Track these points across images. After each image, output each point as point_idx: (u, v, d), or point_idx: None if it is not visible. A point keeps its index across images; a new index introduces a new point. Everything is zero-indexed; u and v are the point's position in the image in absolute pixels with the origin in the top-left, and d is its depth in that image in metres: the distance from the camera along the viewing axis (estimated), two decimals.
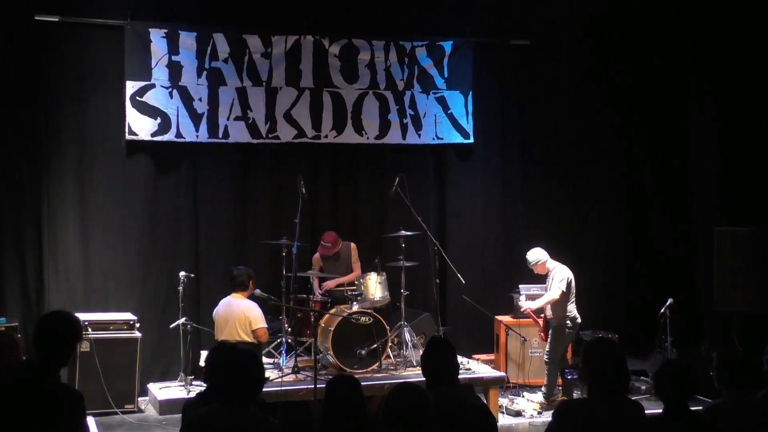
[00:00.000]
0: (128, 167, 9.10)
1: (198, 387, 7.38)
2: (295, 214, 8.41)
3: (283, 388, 7.40)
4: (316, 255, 9.17)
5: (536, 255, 8.52)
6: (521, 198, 10.65)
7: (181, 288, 8.26)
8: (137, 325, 8.25)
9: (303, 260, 8.87)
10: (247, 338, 7.57)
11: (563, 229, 10.55)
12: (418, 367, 8.11)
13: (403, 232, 8.73)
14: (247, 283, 7.94)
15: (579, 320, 8.44)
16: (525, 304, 8.58)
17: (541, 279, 8.82)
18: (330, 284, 8.96)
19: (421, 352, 8.76)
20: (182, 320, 8.09)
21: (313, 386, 6.73)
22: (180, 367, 8.15)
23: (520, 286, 9.59)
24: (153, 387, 7.97)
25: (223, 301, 7.92)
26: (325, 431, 3.91)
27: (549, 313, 8.46)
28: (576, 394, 8.05)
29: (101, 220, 8.93)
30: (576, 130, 10.68)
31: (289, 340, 8.40)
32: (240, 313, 7.68)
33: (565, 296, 8.27)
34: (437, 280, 8.81)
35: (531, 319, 8.76)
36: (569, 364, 8.50)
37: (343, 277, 8.97)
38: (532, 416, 8.11)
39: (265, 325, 7.84)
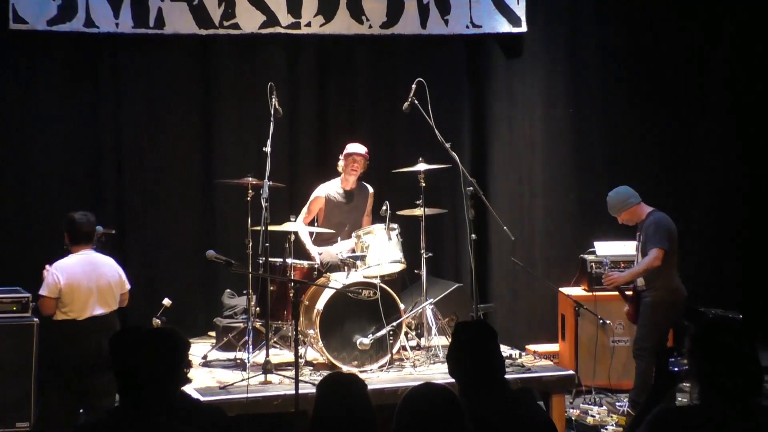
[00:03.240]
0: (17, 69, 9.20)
1: None
2: (264, 139, 8.38)
3: (250, 395, 7.39)
4: (318, 195, 9.19)
5: (623, 196, 8.45)
6: (598, 118, 10.72)
7: (98, 248, 8.22)
8: (32, 304, 8.26)
9: (278, 208, 8.87)
10: (118, 305, 7.61)
11: (658, 168, 10.61)
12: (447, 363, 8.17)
13: (423, 166, 8.70)
14: (92, 234, 7.87)
15: (684, 293, 8.41)
16: (613, 275, 8.53)
17: (627, 233, 8.79)
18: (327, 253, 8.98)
19: (449, 340, 8.94)
20: None
21: (293, 392, 6.71)
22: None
23: (596, 244, 9.58)
24: None
25: (76, 263, 7.76)
26: None
27: (641, 282, 8.42)
28: (681, 399, 8.01)
29: None
30: (675, 40, 10.76)
31: (258, 326, 8.41)
32: (114, 274, 7.65)
33: (667, 257, 8.23)
34: (473, 236, 8.77)
35: (617, 294, 8.75)
36: (670, 349, 8.40)
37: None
38: None
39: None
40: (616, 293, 8.73)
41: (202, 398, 6.85)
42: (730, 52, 11.00)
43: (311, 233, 9.06)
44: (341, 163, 9.09)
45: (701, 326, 4.10)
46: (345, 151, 9.08)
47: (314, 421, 3.97)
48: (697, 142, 10.96)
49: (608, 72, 10.79)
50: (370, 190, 9.34)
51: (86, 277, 7.29)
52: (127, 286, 7.55)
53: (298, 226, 8.83)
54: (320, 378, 4.34)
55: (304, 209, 9.18)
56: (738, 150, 11.07)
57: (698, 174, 10.95)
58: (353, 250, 8.66)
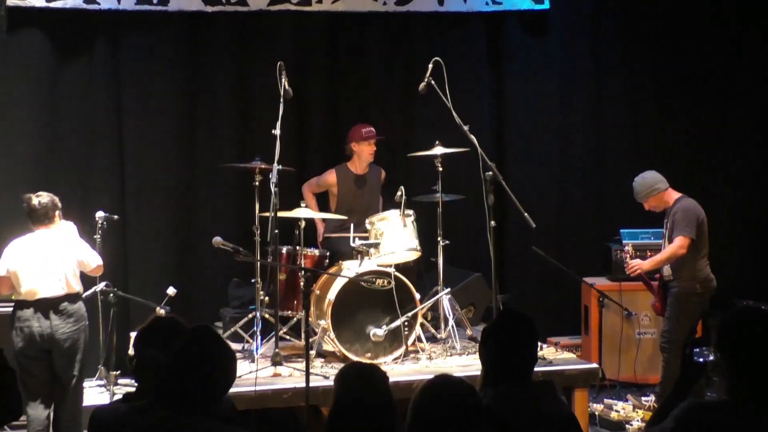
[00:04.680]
0: (11, 49, 9.18)
1: (126, 387, 7.37)
2: (272, 122, 8.37)
3: (258, 388, 7.41)
4: (328, 176, 9.20)
5: (650, 182, 8.42)
6: (624, 100, 10.70)
7: (98, 236, 8.25)
8: None
9: (287, 193, 8.87)
10: (77, 287, 7.60)
11: (687, 152, 10.59)
12: (465, 356, 8.16)
13: (440, 150, 8.69)
14: (51, 215, 7.84)
15: (714, 283, 8.38)
16: (635, 262, 8.51)
17: (654, 220, 8.76)
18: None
19: (468, 332, 8.99)
20: (101, 285, 8.10)
21: (303, 385, 6.67)
22: (99, 359, 8.18)
23: (622, 231, 9.56)
24: None
25: (26, 242, 7.76)
26: None
27: (667, 271, 8.40)
28: (710, 394, 8.00)
29: None
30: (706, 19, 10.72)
31: (267, 316, 8.41)
32: (70, 255, 7.63)
33: (694, 246, 8.20)
34: (492, 223, 8.72)
35: (641, 284, 8.72)
36: (697, 340, 8.37)
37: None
38: (640, 430, 8.11)
39: (100, 260, 7.82)
40: (644, 284, 8.70)
41: None
42: (765, 31, 10.91)
43: (324, 220, 9.07)
44: (350, 147, 9.09)
45: (729, 317, 4.08)
46: (353, 133, 9.07)
47: (333, 413, 3.96)
48: (730, 126, 10.88)
49: (634, 52, 10.74)
50: (382, 170, 9.36)
51: (34, 257, 7.33)
52: (92, 265, 7.56)
53: (308, 204, 8.83)
54: (333, 370, 4.33)
55: (312, 180, 9.21)
56: None
57: (730, 159, 10.87)
58: (366, 236, 8.62)
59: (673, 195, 8.42)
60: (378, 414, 3.91)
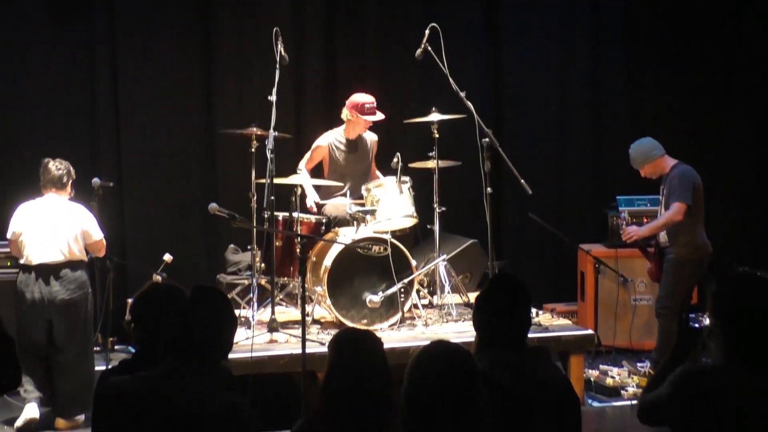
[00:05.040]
0: (6, 13, 9.22)
1: (123, 354, 7.46)
2: (268, 87, 8.35)
3: (255, 354, 7.42)
4: (320, 144, 9.18)
5: (646, 149, 8.41)
6: (622, 66, 10.71)
7: (95, 202, 8.26)
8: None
9: (284, 159, 8.85)
10: (79, 255, 7.63)
11: (686, 118, 10.56)
12: (461, 322, 8.17)
13: (437, 116, 8.66)
14: (65, 181, 7.89)
15: (710, 249, 8.40)
16: (631, 228, 8.52)
17: (651, 187, 8.76)
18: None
19: (464, 298, 9.00)
20: None
21: (300, 352, 6.70)
22: (95, 325, 8.18)
23: (619, 198, 9.57)
24: None
25: (34, 207, 7.80)
26: (329, 417, 3.88)
27: (664, 238, 8.41)
28: (706, 360, 8.02)
29: None
30: None
31: (263, 283, 8.42)
32: (75, 223, 7.66)
33: (690, 213, 8.21)
34: (489, 190, 8.75)
35: (638, 250, 8.74)
36: (693, 305, 8.43)
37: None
38: (635, 396, 8.17)
39: (103, 236, 7.86)
40: (640, 251, 8.72)
41: None
42: None
43: (317, 186, 9.06)
44: (347, 113, 9.06)
45: (725, 283, 4.08)
46: (355, 102, 9.04)
47: (328, 379, 3.95)
48: (730, 92, 10.87)
49: (633, 16, 10.73)
50: (375, 137, 9.32)
51: (40, 222, 7.42)
52: (95, 237, 7.63)
53: (303, 176, 8.82)
54: (329, 337, 4.32)
55: (306, 155, 9.19)
56: None
57: (729, 126, 10.87)
58: (362, 203, 8.63)
59: (669, 162, 8.40)
60: (372, 379, 3.89)
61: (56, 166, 7.61)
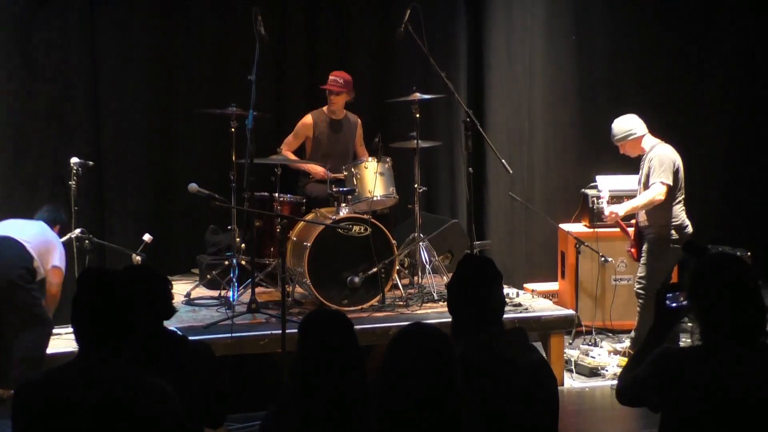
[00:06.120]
0: None
1: None
2: (248, 67, 8.34)
3: (235, 334, 7.42)
4: (305, 122, 9.21)
5: (627, 125, 8.39)
6: (603, 46, 10.69)
7: (73, 182, 8.23)
8: None
9: (264, 139, 8.85)
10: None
11: (666, 99, 10.58)
12: (441, 302, 8.18)
13: (418, 95, 8.64)
14: (51, 220, 7.93)
15: (690, 230, 8.42)
16: (610, 208, 8.53)
17: (630, 166, 8.78)
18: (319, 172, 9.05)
19: (445, 279, 9.01)
20: (76, 232, 8.09)
21: (280, 332, 6.70)
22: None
23: (598, 178, 9.60)
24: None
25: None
26: (299, 399, 3.89)
27: (643, 218, 8.43)
28: (685, 340, 8.03)
29: None
30: None
31: (243, 263, 8.42)
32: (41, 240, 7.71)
33: (670, 193, 8.23)
34: (470, 170, 8.74)
35: (619, 230, 8.77)
36: (670, 285, 8.47)
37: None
38: (616, 376, 8.20)
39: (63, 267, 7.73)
40: (618, 230, 8.75)
41: None
42: None
43: (299, 170, 9.08)
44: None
45: (702, 263, 4.10)
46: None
47: (298, 361, 3.94)
48: (710, 73, 10.90)
49: None
50: (358, 120, 9.35)
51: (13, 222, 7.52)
52: (54, 262, 7.50)
53: (285, 154, 8.83)
54: (305, 315, 4.30)
55: (287, 139, 9.20)
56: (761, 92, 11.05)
57: (710, 107, 10.90)
58: (343, 182, 8.64)
59: (650, 142, 8.39)
60: (342, 360, 3.91)
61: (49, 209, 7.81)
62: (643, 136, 8.38)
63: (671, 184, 8.16)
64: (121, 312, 3.87)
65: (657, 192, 8.14)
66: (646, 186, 8.25)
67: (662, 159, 8.24)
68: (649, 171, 8.26)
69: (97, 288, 3.89)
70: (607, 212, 8.49)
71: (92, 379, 3.73)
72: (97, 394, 3.70)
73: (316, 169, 9.08)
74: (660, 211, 8.27)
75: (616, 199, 8.90)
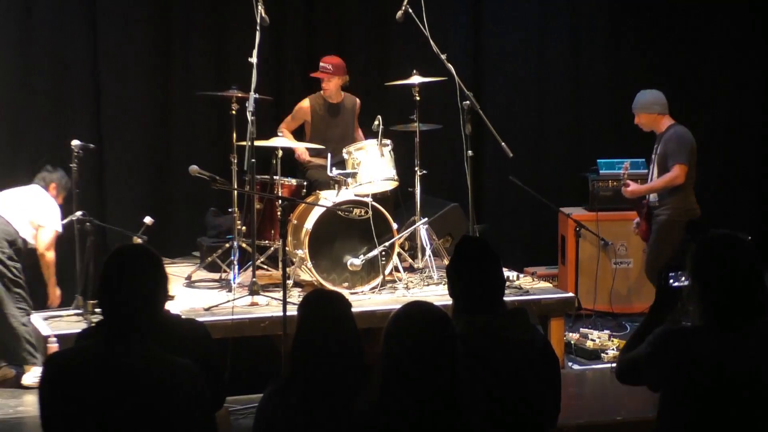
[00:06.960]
0: None
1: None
2: (248, 49, 8.33)
3: (236, 317, 7.43)
4: (303, 105, 9.22)
5: (651, 100, 8.41)
6: (603, 27, 10.71)
7: (74, 165, 8.22)
8: None
9: (265, 122, 8.84)
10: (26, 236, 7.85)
11: (666, 81, 10.53)
12: (442, 285, 8.19)
13: (418, 78, 8.65)
14: (46, 182, 8.12)
15: (698, 212, 8.42)
16: (633, 186, 8.51)
17: (631, 150, 8.78)
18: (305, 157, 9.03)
19: (445, 261, 9.00)
20: (77, 215, 8.08)
21: (281, 314, 6.72)
22: (76, 288, 8.17)
23: (599, 161, 9.60)
24: (33, 318, 8.02)
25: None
26: (297, 378, 3.90)
27: (653, 197, 8.44)
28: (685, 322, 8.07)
29: None
30: None
31: (244, 245, 8.43)
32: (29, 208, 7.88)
33: (688, 175, 8.26)
34: (470, 153, 8.76)
35: (619, 214, 8.78)
36: (672, 265, 8.47)
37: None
38: (616, 359, 8.22)
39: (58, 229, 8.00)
40: (620, 213, 8.74)
41: None
42: None
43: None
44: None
45: (703, 243, 4.11)
46: None
47: (296, 342, 3.95)
48: (712, 57, 10.88)
49: None
50: (357, 100, 9.33)
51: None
52: (44, 224, 7.87)
53: (285, 137, 8.82)
54: (304, 296, 4.31)
55: (287, 119, 9.21)
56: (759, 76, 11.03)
57: (711, 91, 10.89)
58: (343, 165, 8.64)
59: (666, 122, 8.41)
60: (340, 340, 3.92)
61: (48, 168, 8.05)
62: (663, 115, 8.41)
63: (689, 166, 8.19)
64: (162, 285, 3.84)
65: (679, 174, 8.18)
66: (661, 165, 8.27)
67: (681, 140, 8.28)
68: (665, 152, 8.28)
69: (141, 258, 3.83)
70: (630, 187, 8.50)
71: (122, 357, 3.64)
72: (128, 372, 3.62)
73: (299, 150, 9.06)
74: (673, 193, 8.30)
75: (617, 182, 8.91)
